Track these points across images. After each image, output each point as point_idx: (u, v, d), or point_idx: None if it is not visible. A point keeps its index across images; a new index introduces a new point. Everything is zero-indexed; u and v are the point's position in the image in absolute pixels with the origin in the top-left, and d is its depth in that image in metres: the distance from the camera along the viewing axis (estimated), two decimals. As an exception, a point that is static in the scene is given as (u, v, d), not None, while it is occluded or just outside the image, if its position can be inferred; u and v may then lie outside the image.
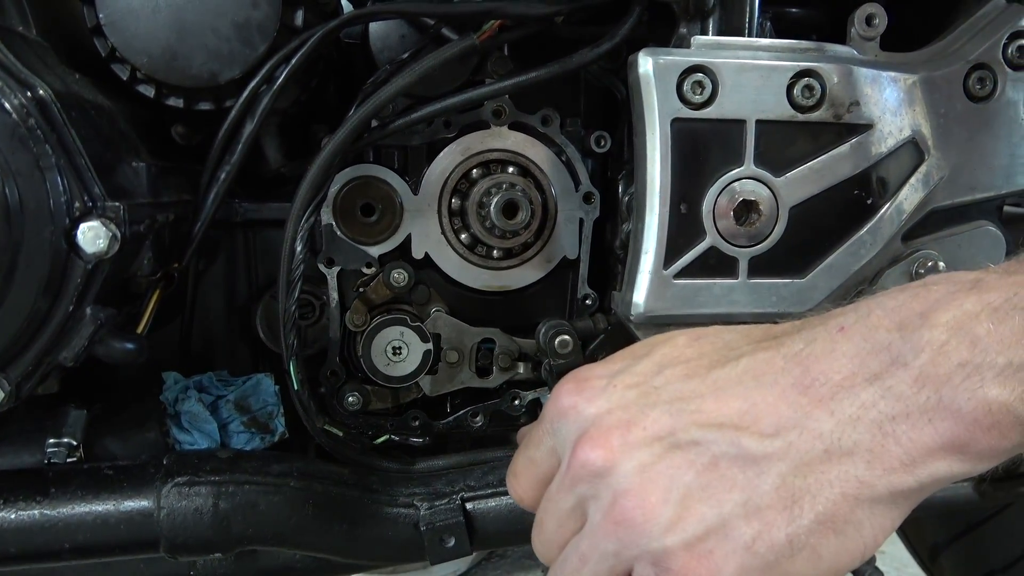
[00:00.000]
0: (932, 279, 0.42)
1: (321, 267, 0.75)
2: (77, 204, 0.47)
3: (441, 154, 0.74)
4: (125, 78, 0.60)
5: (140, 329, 0.57)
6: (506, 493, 0.67)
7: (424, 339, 0.75)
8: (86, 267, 0.47)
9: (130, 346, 0.51)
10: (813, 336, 0.42)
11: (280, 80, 0.61)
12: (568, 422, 0.45)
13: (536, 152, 0.76)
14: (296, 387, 0.63)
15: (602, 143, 0.77)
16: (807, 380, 0.40)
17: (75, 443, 0.61)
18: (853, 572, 0.88)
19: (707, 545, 0.40)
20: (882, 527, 0.39)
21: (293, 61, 0.61)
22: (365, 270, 0.75)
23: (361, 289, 0.76)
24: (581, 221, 0.77)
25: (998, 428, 0.37)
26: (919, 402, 0.38)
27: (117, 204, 0.48)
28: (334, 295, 0.75)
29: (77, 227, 0.47)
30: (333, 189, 0.72)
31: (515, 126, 0.75)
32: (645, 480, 0.41)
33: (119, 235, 0.48)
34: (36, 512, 0.56)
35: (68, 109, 0.49)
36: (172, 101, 0.62)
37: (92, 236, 0.47)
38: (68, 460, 0.60)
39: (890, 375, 0.39)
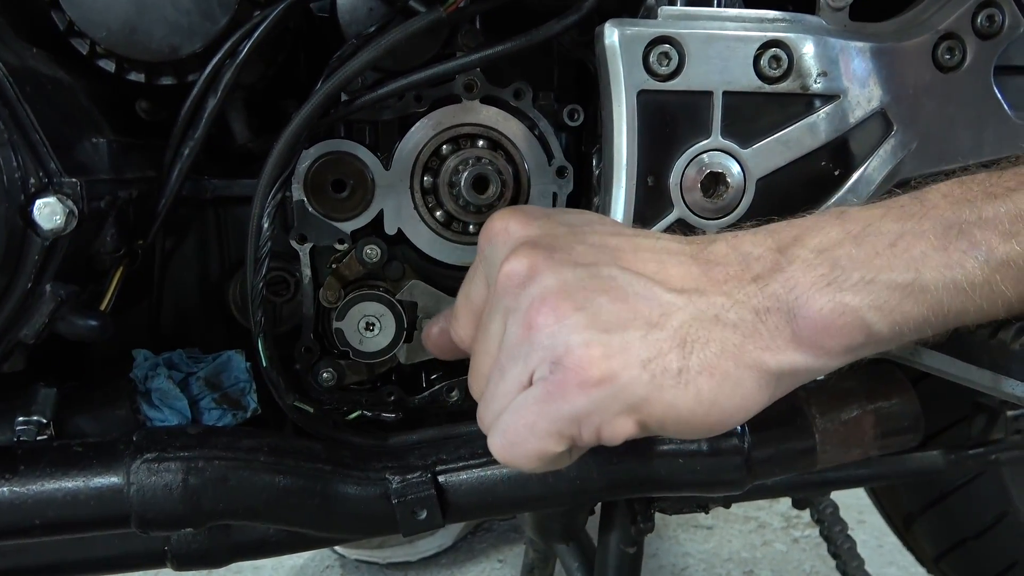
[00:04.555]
0: (804, 216, 0.49)
1: (293, 244, 0.74)
2: (32, 180, 0.46)
3: (412, 128, 0.74)
4: (85, 53, 0.60)
5: (104, 306, 0.57)
6: (478, 465, 0.67)
7: (397, 315, 0.75)
8: (43, 244, 0.47)
9: (93, 323, 0.51)
10: (713, 240, 0.49)
11: (243, 54, 0.60)
12: (498, 243, 0.49)
13: (509, 126, 0.75)
14: (264, 364, 0.63)
15: (575, 117, 0.76)
16: (707, 267, 0.47)
17: (45, 421, 0.61)
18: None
19: (606, 351, 0.44)
20: (749, 393, 0.45)
21: (256, 34, 0.60)
22: (338, 246, 0.75)
23: (334, 265, 0.75)
24: (555, 195, 0.77)
25: (847, 329, 0.44)
26: (788, 300, 0.45)
27: (74, 180, 0.48)
28: (307, 272, 0.75)
29: (33, 203, 0.46)
30: (304, 165, 0.72)
31: (487, 100, 0.74)
32: (563, 292, 0.45)
33: (77, 211, 0.47)
34: (5, 489, 0.56)
35: (22, 84, 0.48)
36: (133, 76, 0.61)
37: (48, 212, 0.46)
38: (38, 438, 0.60)
39: (769, 278, 0.46)
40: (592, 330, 0.44)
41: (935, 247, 0.44)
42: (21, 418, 0.60)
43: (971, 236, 0.44)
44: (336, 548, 1.58)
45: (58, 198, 0.46)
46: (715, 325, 0.45)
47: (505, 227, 0.49)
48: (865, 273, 0.44)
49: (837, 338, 0.45)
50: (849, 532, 0.92)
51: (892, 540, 1.31)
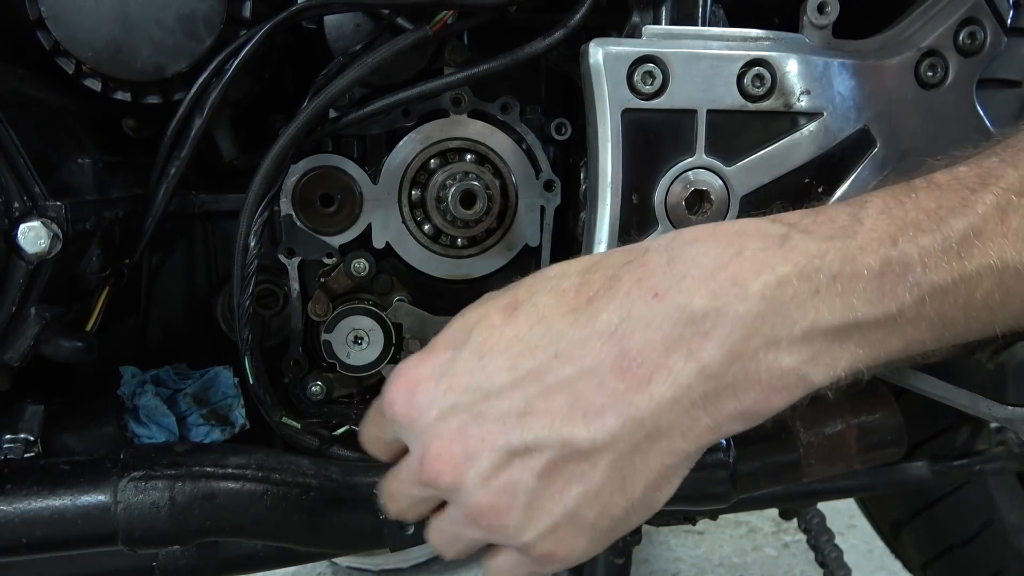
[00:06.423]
0: (740, 228, 0.43)
1: (281, 258, 0.75)
2: (16, 204, 0.46)
3: (400, 143, 0.74)
4: (70, 72, 0.60)
5: (89, 327, 0.57)
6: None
7: (386, 329, 0.75)
8: (28, 268, 0.47)
9: (78, 344, 0.51)
10: (629, 305, 0.42)
11: (229, 74, 0.60)
12: (406, 431, 0.47)
13: (496, 140, 0.75)
14: (252, 381, 0.63)
15: (563, 130, 0.77)
16: (624, 362, 0.41)
17: (32, 438, 0.61)
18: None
19: (559, 533, 0.45)
20: (689, 465, 0.45)
21: (242, 54, 0.60)
22: (326, 260, 0.75)
23: (323, 279, 0.76)
24: (542, 209, 0.77)
25: (787, 390, 0.41)
26: (728, 379, 0.41)
27: (59, 203, 0.48)
28: (295, 285, 0.75)
29: (17, 228, 0.46)
30: (291, 180, 0.72)
31: (475, 114, 0.75)
32: (492, 491, 0.44)
33: (61, 235, 0.48)
34: (-8, 508, 0.56)
35: (6, 106, 0.48)
36: (119, 95, 0.61)
37: (33, 236, 0.46)
38: (25, 456, 0.61)
39: (700, 349, 0.40)
40: (538, 524, 0.45)
41: (870, 279, 0.41)
42: (8, 436, 0.60)
43: (906, 264, 0.41)
44: (328, 555, 1.58)
45: (42, 222, 0.47)
46: (646, 445, 0.43)
47: (407, 414, 0.46)
48: (808, 322, 0.41)
49: (777, 401, 0.42)
50: (837, 540, 0.93)
51: (882, 545, 1.31)
